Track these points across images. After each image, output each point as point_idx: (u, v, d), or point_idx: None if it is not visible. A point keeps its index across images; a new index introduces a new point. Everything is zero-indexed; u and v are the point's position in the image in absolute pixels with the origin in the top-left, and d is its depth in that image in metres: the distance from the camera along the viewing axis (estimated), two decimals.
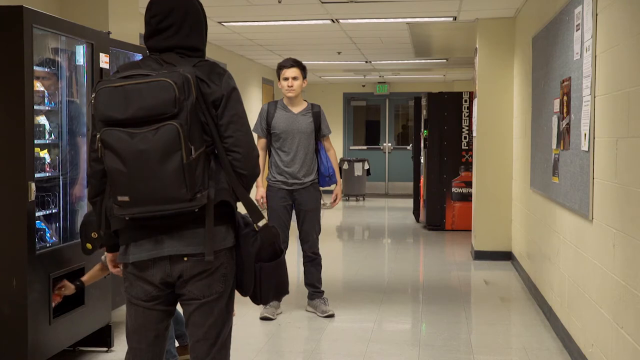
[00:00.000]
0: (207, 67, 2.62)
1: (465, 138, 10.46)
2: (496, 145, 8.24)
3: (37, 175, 3.98)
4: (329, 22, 8.64)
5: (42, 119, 4.26)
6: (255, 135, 4.38)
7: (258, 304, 2.90)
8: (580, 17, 4.48)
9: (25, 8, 3.79)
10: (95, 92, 2.51)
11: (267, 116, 5.64)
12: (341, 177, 15.16)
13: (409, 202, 13.18)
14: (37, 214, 4.01)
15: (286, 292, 2.87)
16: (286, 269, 2.81)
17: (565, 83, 4.91)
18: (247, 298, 2.77)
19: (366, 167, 15.27)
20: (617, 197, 3.66)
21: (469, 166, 10.30)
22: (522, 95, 7.40)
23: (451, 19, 8.39)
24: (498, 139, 8.23)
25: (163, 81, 2.44)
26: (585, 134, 4.30)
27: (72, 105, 4.57)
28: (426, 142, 10.63)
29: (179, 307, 2.76)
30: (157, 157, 2.42)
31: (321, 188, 5.76)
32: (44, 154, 4.28)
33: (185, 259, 2.58)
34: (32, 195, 3.83)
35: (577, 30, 4.57)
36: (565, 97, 4.90)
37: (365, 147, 18.02)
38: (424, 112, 10.80)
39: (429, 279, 7.36)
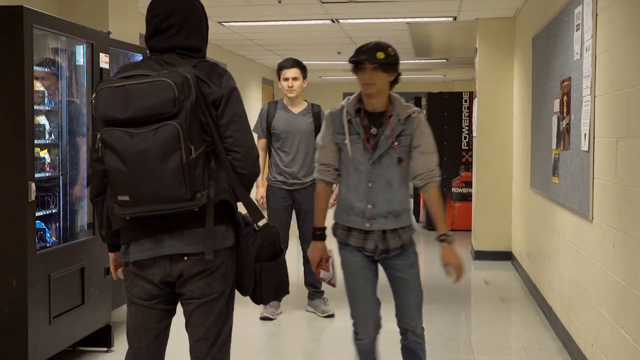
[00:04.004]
0: (207, 68, 2.62)
1: (465, 138, 10.46)
2: (496, 145, 8.24)
3: (37, 175, 3.98)
4: (329, 22, 8.64)
5: (42, 119, 4.26)
6: (255, 135, 4.38)
7: (258, 304, 2.90)
8: (580, 17, 4.48)
9: (25, 8, 3.79)
10: (95, 92, 2.52)
11: (267, 116, 5.64)
12: None
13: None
14: (37, 214, 4.01)
15: (286, 292, 2.87)
16: (286, 268, 2.81)
17: (565, 83, 4.91)
18: (247, 298, 2.77)
19: None
20: (617, 197, 3.66)
21: (469, 166, 10.30)
22: (522, 95, 7.41)
23: (451, 19, 8.39)
24: (498, 139, 8.23)
25: (163, 81, 2.44)
26: (585, 134, 4.30)
27: (72, 105, 4.57)
28: None
29: None
30: (157, 156, 2.42)
31: None
32: (44, 154, 4.29)
33: (186, 258, 2.58)
34: (32, 195, 3.83)
35: (577, 30, 4.57)
36: (565, 97, 4.90)
37: None
38: (424, 112, 10.80)
39: (429, 279, 7.35)
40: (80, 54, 4.58)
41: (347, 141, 3.30)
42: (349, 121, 3.32)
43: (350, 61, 3.27)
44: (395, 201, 3.32)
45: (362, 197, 3.32)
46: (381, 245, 3.35)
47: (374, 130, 3.31)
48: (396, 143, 3.28)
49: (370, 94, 3.28)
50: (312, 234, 3.48)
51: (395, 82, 3.40)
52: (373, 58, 3.22)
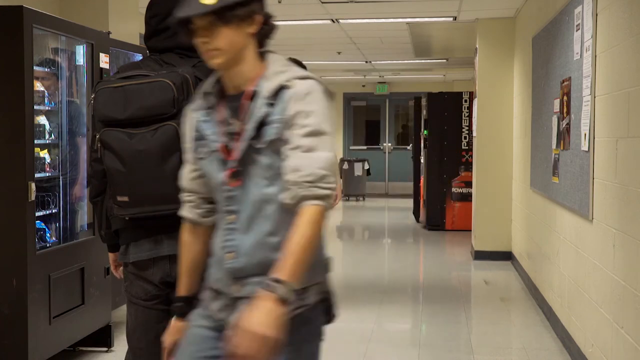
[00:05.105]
0: (207, 67, 2.61)
1: (465, 138, 10.46)
2: (496, 145, 8.24)
3: (37, 175, 3.98)
4: (329, 22, 8.64)
5: (42, 119, 4.27)
6: None
7: None
8: (580, 17, 4.48)
9: (25, 8, 3.79)
10: (94, 93, 2.52)
11: None
12: (341, 177, 15.16)
13: (409, 202, 13.18)
14: (37, 214, 4.01)
15: None
16: None
17: (565, 83, 4.91)
18: None
19: (366, 167, 15.27)
20: (617, 197, 3.66)
21: (469, 166, 10.30)
22: (522, 95, 7.41)
23: (451, 19, 8.39)
24: (498, 139, 8.23)
25: (161, 81, 2.44)
26: (585, 134, 4.30)
27: (72, 105, 4.57)
28: (426, 142, 10.64)
29: None
30: (156, 157, 2.42)
31: None
32: (44, 154, 4.29)
33: None
34: (32, 195, 3.83)
35: (577, 30, 4.57)
36: (565, 97, 4.90)
37: (365, 147, 18.02)
38: (424, 112, 10.80)
39: (429, 279, 7.36)
40: (80, 54, 4.58)
41: (189, 155, 2.10)
42: (199, 122, 2.05)
43: (175, 24, 1.97)
44: (275, 241, 1.94)
45: (221, 239, 2.03)
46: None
47: (234, 126, 1.98)
48: (262, 141, 1.93)
49: (218, 66, 2.01)
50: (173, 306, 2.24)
51: (263, 34, 2.13)
52: (198, 6, 1.92)
